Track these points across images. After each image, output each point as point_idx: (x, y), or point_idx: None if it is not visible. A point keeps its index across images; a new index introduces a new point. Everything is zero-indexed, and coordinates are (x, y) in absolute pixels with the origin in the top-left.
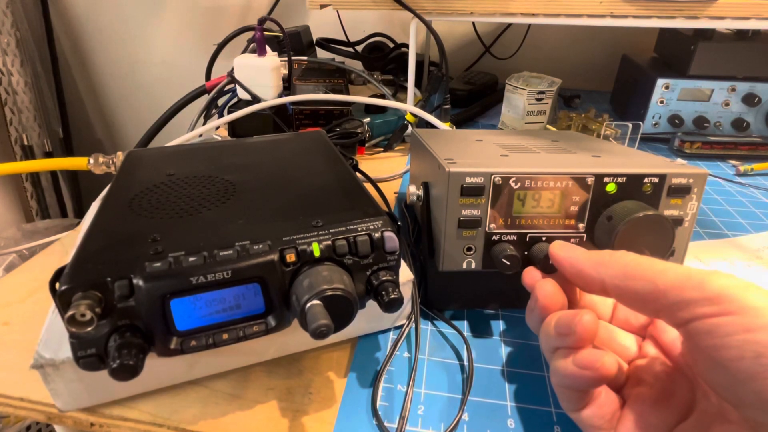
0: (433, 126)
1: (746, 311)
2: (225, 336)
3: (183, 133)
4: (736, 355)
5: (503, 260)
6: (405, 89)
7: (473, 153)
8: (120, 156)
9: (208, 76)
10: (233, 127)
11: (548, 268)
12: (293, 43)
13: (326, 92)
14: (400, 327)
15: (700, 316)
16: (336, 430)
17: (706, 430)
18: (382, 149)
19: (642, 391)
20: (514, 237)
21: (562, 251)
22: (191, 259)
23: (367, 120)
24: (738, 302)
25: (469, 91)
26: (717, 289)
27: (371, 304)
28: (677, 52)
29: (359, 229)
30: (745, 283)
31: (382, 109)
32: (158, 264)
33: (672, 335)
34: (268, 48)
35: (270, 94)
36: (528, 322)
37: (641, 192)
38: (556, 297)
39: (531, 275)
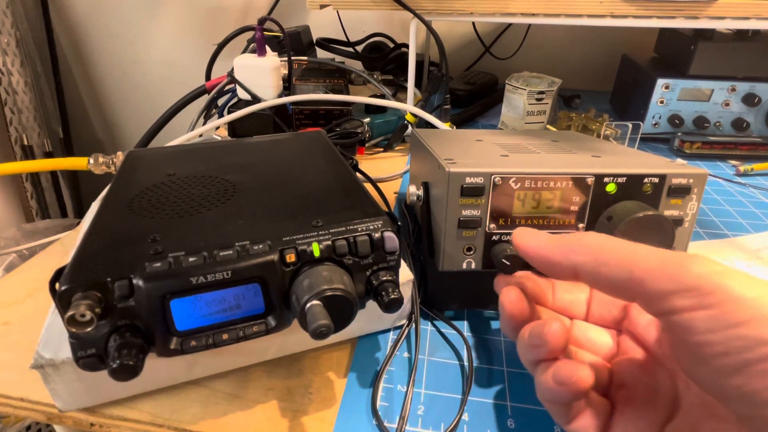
0: (433, 126)
1: (727, 303)
2: (225, 336)
3: (183, 133)
4: (720, 350)
5: (503, 260)
6: (405, 89)
7: (473, 153)
8: (120, 156)
9: (208, 76)
10: (233, 127)
11: (508, 268)
12: (293, 43)
13: (326, 92)
14: (400, 327)
15: (680, 309)
16: (336, 430)
17: (694, 428)
18: (382, 149)
19: (627, 394)
20: None
21: (526, 239)
22: (191, 259)
23: (367, 120)
24: (717, 293)
25: (469, 91)
26: (695, 278)
27: (371, 304)
28: (677, 52)
29: (359, 229)
30: (725, 269)
31: (382, 109)
32: (158, 264)
33: (645, 323)
34: (268, 48)
35: (270, 94)
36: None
37: (641, 192)
38: (519, 304)
39: (499, 280)
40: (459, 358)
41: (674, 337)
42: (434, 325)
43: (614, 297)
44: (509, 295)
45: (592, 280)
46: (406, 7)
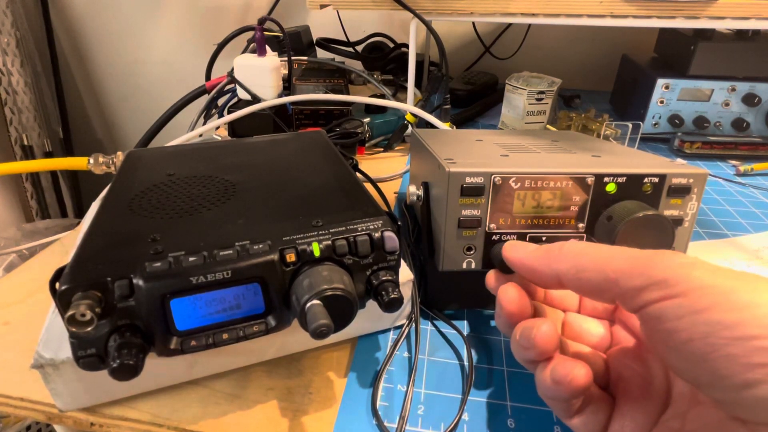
0: (433, 126)
1: (691, 292)
2: (225, 336)
3: (183, 133)
4: (686, 337)
5: (503, 260)
6: (405, 89)
7: (473, 153)
8: (120, 156)
9: (208, 76)
10: (233, 127)
11: (508, 269)
12: (293, 43)
13: (326, 92)
14: (400, 327)
15: (650, 302)
16: (336, 430)
17: (683, 417)
18: (382, 149)
19: (625, 387)
20: (514, 237)
21: (514, 252)
22: (191, 259)
23: (367, 120)
24: (683, 283)
25: (469, 91)
26: (662, 272)
27: (371, 304)
28: (677, 52)
29: (359, 229)
30: (690, 261)
31: (382, 109)
32: (158, 264)
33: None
34: (268, 48)
35: (270, 94)
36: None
37: (641, 192)
38: (518, 301)
39: (494, 278)
40: (459, 357)
41: (649, 329)
42: (434, 325)
43: (597, 300)
44: (507, 293)
45: (574, 285)
46: (406, 7)
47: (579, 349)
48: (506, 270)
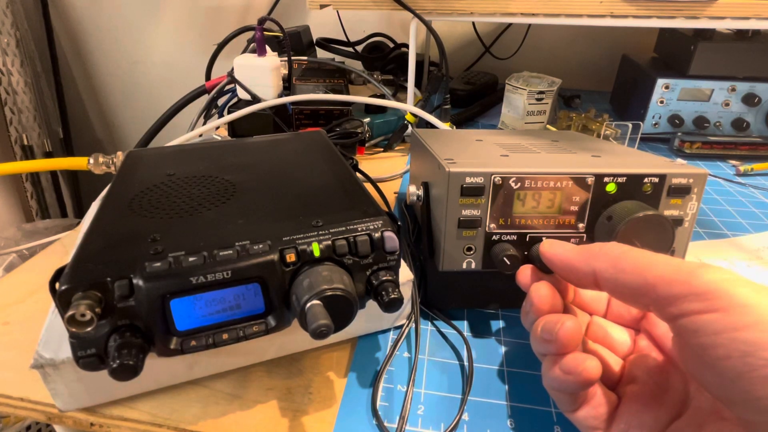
0: (433, 126)
1: (733, 308)
2: (225, 336)
3: (183, 133)
4: (723, 354)
5: (504, 259)
6: (405, 89)
7: (473, 153)
8: (120, 156)
9: (208, 76)
10: (233, 127)
11: (547, 268)
12: (293, 43)
13: (326, 92)
14: (400, 327)
15: (688, 313)
16: (336, 430)
17: (699, 428)
18: (382, 149)
19: (635, 389)
20: (514, 237)
21: (552, 248)
22: (191, 259)
23: (367, 120)
24: (725, 299)
25: (469, 91)
26: (704, 284)
27: (371, 304)
28: (677, 52)
29: (359, 229)
30: (735, 277)
31: (382, 109)
32: (158, 264)
33: (664, 328)
34: (268, 48)
35: (270, 94)
36: (524, 323)
37: (641, 192)
38: (551, 299)
39: (525, 274)
40: (459, 358)
41: (683, 341)
42: (434, 325)
43: (631, 304)
44: (540, 291)
45: (610, 286)
46: (406, 7)
47: (598, 350)
48: (506, 269)
